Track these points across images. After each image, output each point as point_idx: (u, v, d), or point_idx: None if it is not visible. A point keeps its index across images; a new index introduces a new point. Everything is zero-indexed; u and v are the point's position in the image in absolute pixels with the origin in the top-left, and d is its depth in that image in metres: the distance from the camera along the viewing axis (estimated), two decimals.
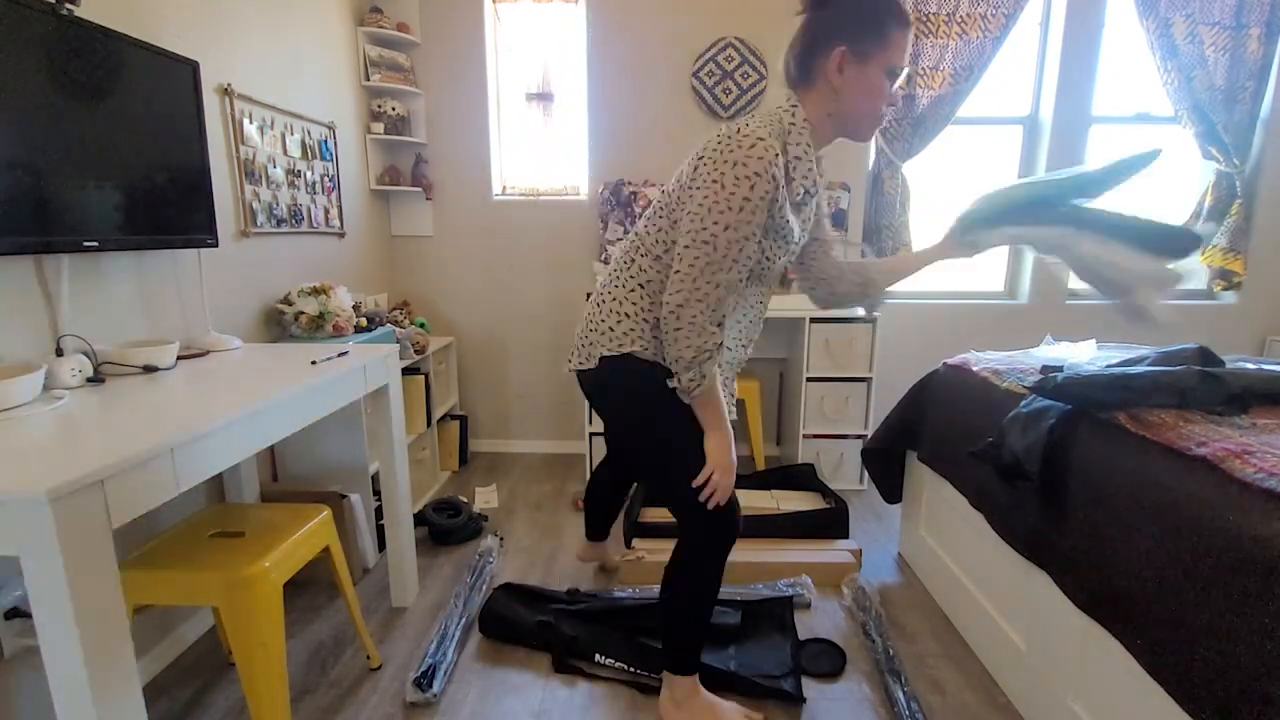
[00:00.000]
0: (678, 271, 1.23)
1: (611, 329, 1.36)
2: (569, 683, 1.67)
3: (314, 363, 1.62)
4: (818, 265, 1.56)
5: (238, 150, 2.02)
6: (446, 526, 2.38)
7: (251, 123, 2.09)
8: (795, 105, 1.27)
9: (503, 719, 1.55)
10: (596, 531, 2.15)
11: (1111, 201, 1.42)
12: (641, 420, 1.39)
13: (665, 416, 1.36)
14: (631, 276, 1.36)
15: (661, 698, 1.55)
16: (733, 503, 1.44)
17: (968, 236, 1.49)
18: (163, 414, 1.19)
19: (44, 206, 1.33)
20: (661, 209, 1.33)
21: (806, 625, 1.90)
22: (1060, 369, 1.57)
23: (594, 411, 1.60)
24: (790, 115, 1.26)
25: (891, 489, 2.32)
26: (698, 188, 1.22)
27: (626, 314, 1.35)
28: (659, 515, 2.40)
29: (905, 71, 1.33)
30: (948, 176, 3.28)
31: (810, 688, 1.64)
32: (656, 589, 2.03)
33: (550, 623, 1.81)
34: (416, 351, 2.62)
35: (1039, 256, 1.65)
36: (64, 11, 1.35)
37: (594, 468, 2.18)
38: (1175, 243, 1.30)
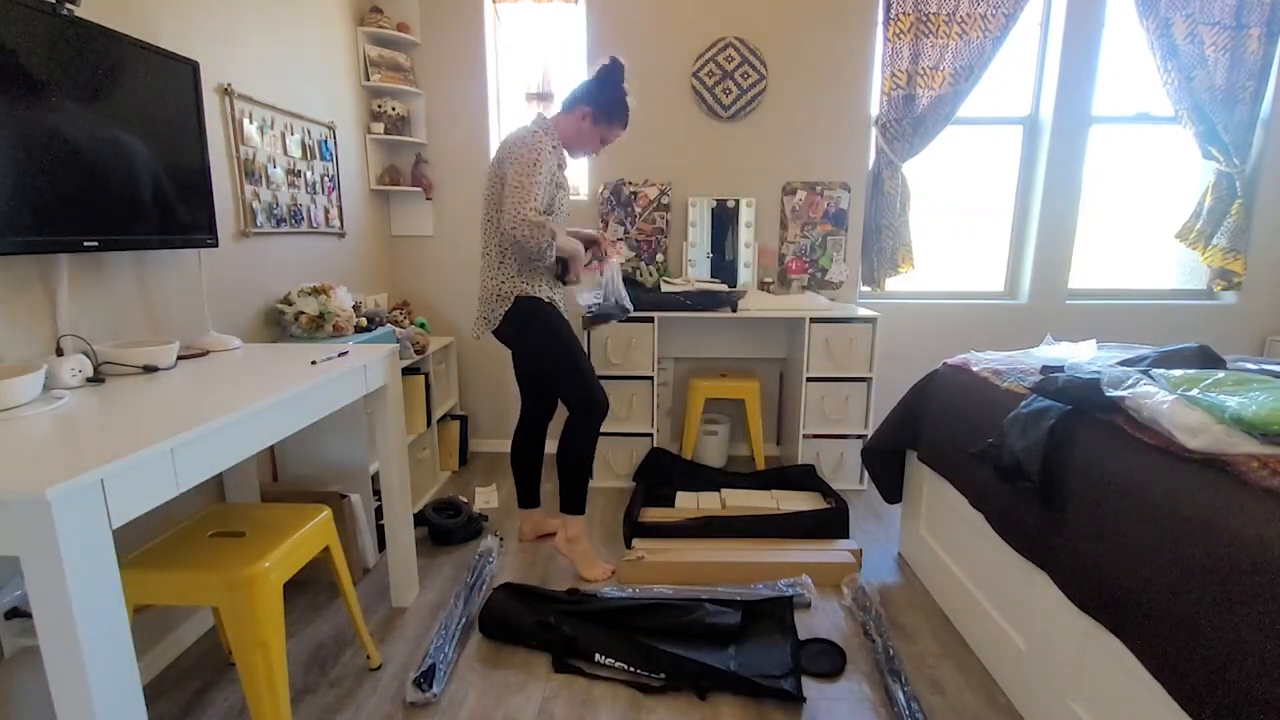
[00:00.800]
0: (505, 212, 1.86)
1: (499, 293, 2.01)
2: (569, 683, 1.67)
3: (314, 363, 1.62)
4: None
5: (238, 150, 2.02)
6: (446, 526, 2.38)
7: (251, 123, 2.09)
8: (553, 117, 2.06)
9: (503, 719, 1.55)
10: (527, 497, 2.40)
11: None
12: (541, 336, 2.03)
13: (553, 330, 2.03)
14: (494, 255, 2.02)
15: (558, 535, 2.20)
16: (601, 392, 2.09)
17: None
18: (163, 414, 1.19)
19: (44, 206, 1.33)
20: (489, 203, 2.01)
21: (806, 625, 1.90)
22: (1060, 369, 1.57)
23: (513, 354, 2.24)
24: (548, 121, 2.04)
25: (891, 489, 2.32)
26: (506, 166, 1.90)
27: (506, 277, 2.00)
28: (659, 516, 2.40)
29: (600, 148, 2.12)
30: (948, 176, 3.28)
31: (810, 687, 1.64)
32: (657, 589, 2.04)
33: (550, 623, 1.80)
34: (416, 351, 2.61)
35: None
36: (64, 11, 1.35)
37: (512, 432, 2.52)
38: None
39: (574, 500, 2.13)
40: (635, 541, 2.24)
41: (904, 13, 2.92)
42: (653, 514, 2.40)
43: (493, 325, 2.04)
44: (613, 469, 2.95)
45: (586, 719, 1.55)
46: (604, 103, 2.02)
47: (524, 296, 2.01)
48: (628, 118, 2.06)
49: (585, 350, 2.15)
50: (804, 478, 2.67)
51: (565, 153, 2.08)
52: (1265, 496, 1.01)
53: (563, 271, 2.07)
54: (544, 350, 2.06)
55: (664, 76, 3.04)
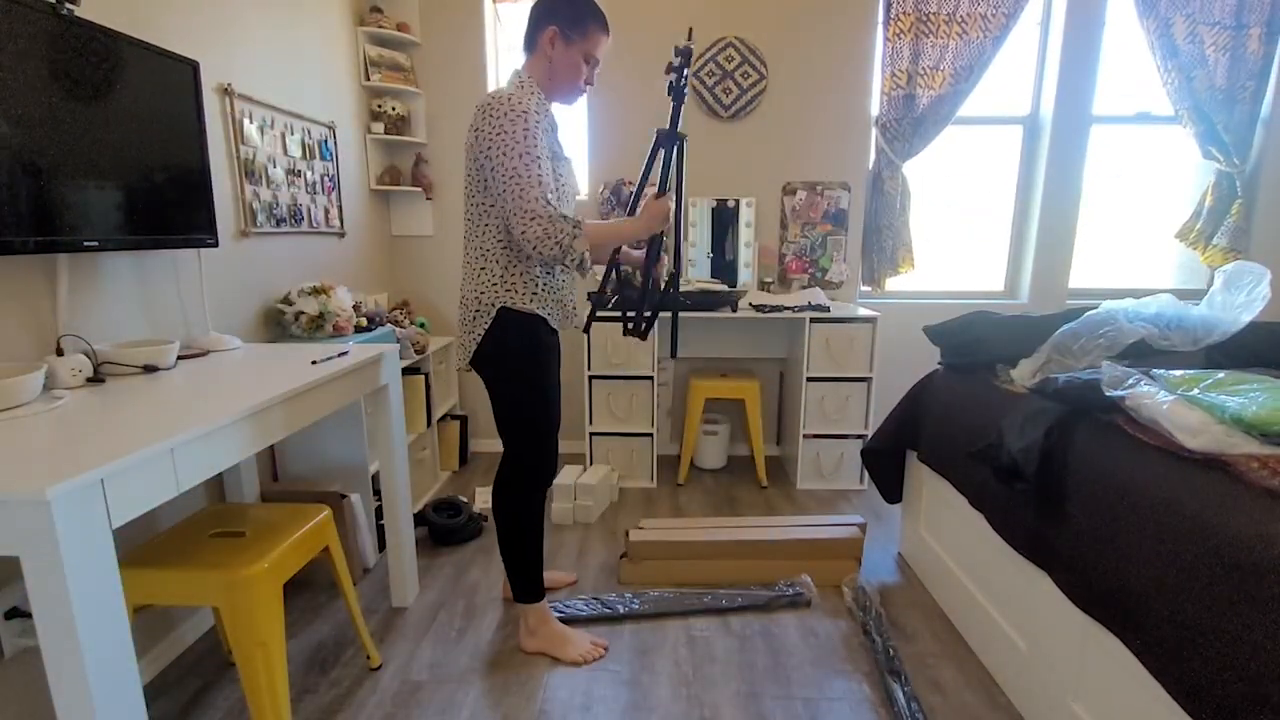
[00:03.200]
0: (507, 211, 1.49)
1: (479, 304, 1.61)
2: (569, 683, 1.67)
3: (314, 363, 1.62)
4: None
5: (238, 150, 2.02)
6: (446, 526, 2.38)
7: (251, 122, 2.09)
8: (523, 68, 1.61)
9: (503, 719, 1.55)
10: None
11: None
12: (519, 364, 1.64)
13: (537, 363, 1.65)
14: (475, 258, 1.62)
15: (520, 631, 1.80)
16: (553, 460, 1.75)
17: None
18: (163, 414, 1.19)
19: (44, 206, 1.33)
20: (469, 199, 1.61)
21: (807, 625, 1.90)
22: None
23: (491, 395, 1.70)
24: (520, 76, 1.59)
25: (891, 489, 2.32)
26: (489, 149, 1.48)
27: (487, 283, 1.60)
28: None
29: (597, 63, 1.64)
30: (948, 176, 3.28)
31: (810, 687, 1.64)
32: (656, 591, 2.03)
33: None
34: (416, 351, 2.61)
35: None
36: (64, 11, 1.35)
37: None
38: None
39: (522, 587, 1.75)
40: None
41: (904, 12, 2.92)
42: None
43: (473, 349, 1.63)
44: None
45: (586, 719, 1.55)
46: (567, 9, 1.55)
47: (511, 309, 1.59)
48: (604, 16, 1.60)
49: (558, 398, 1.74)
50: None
51: (553, 109, 1.65)
52: (1265, 496, 1.01)
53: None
54: (515, 382, 1.64)
55: (664, 76, 3.03)
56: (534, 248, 1.48)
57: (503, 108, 1.47)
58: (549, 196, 1.48)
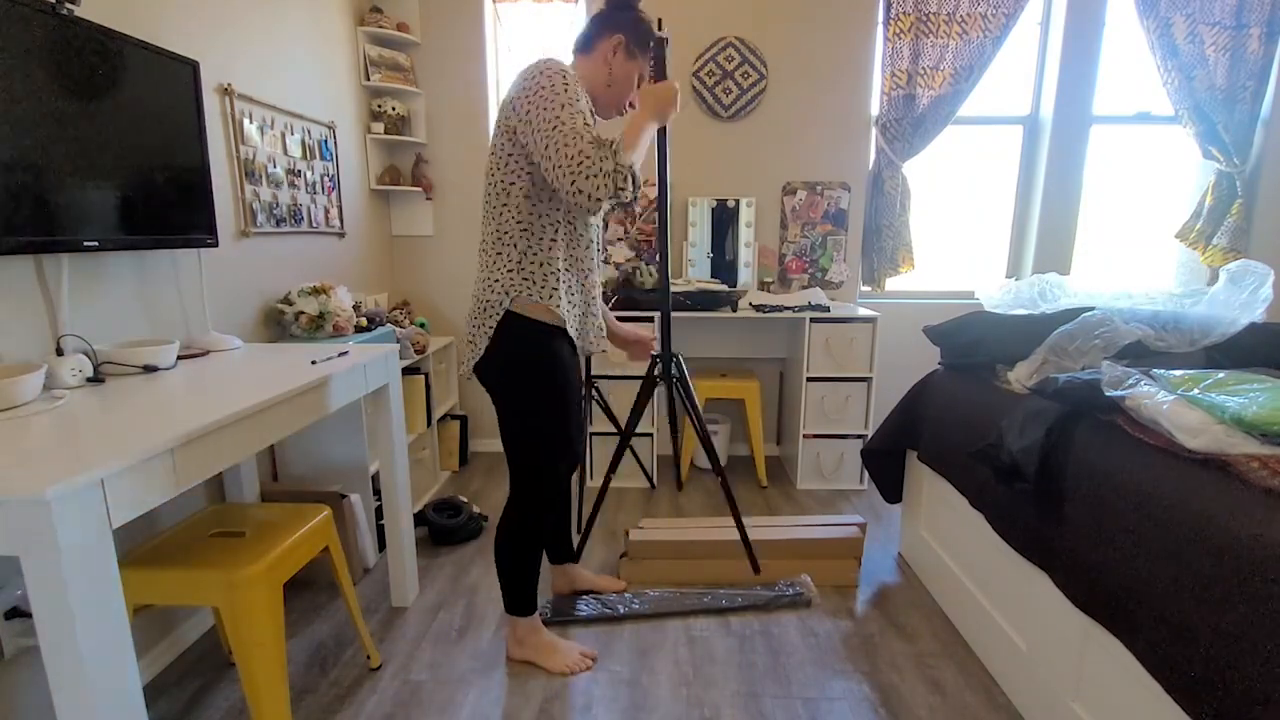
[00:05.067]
0: (550, 163, 1.33)
1: (486, 302, 1.48)
2: (569, 683, 1.67)
3: (314, 363, 1.62)
4: None
5: (238, 150, 2.02)
6: (446, 526, 2.38)
7: (251, 122, 2.09)
8: (573, 65, 1.53)
9: (503, 719, 1.55)
10: (554, 552, 1.99)
11: None
12: (528, 378, 1.50)
13: (549, 376, 1.50)
14: (490, 249, 1.50)
15: (507, 638, 1.76)
16: (559, 487, 1.61)
17: None
18: (163, 414, 1.19)
19: (44, 206, 1.33)
20: (490, 177, 1.49)
21: (807, 625, 1.90)
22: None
23: (498, 409, 1.57)
24: (570, 67, 1.45)
25: (891, 489, 2.32)
26: (527, 104, 1.35)
27: (496, 277, 1.48)
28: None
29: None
30: (948, 176, 3.28)
31: (810, 687, 1.64)
32: (656, 591, 2.02)
33: None
34: (416, 351, 2.61)
35: None
36: (64, 11, 1.35)
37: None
38: None
39: (513, 599, 1.68)
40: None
41: (904, 12, 2.92)
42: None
43: (478, 354, 1.49)
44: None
45: (586, 719, 1.55)
46: (637, 26, 1.50)
47: (520, 315, 1.45)
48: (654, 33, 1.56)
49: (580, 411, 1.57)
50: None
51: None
52: (1265, 496, 1.01)
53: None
54: (526, 398, 1.49)
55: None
56: (591, 199, 1.30)
57: (549, 67, 1.35)
58: (591, 130, 1.34)
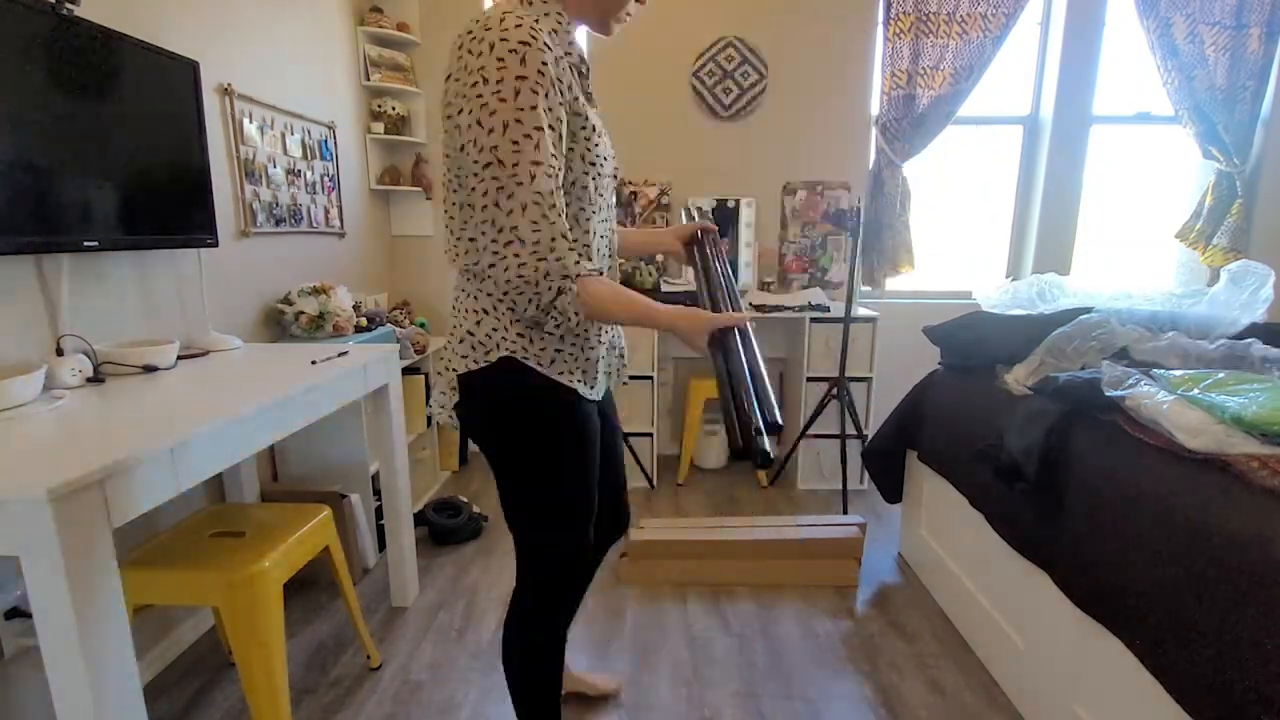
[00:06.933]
0: (478, 223, 0.93)
1: (475, 337, 1.04)
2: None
3: (314, 363, 1.62)
4: None
5: (238, 150, 2.02)
6: (446, 526, 2.38)
7: (251, 122, 2.09)
8: None
9: (503, 719, 1.55)
10: None
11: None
12: (528, 448, 1.07)
13: (550, 445, 1.07)
14: (479, 289, 1.03)
15: None
16: (575, 571, 1.15)
17: None
18: (163, 414, 1.19)
19: (44, 206, 1.33)
20: (450, 167, 1.01)
21: (807, 625, 1.90)
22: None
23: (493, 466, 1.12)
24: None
25: (892, 489, 2.32)
26: (461, 106, 0.92)
27: (485, 308, 1.03)
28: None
29: None
30: (948, 176, 3.28)
31: (810, 687, 1.64)
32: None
33: None
34: (416, 351, 2.61)
35: None
36: (64, 11, 1.35)
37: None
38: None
39: None
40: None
41: (904, 12, 2.92)
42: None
43: (456, 395, 1.09)
44: None
45: (587, 716, 1.55)
46: None
47: (515, 361, 1.01)
48: None
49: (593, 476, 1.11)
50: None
51: (581, 40, 1.04)
52: (1265, 496, 1.01)
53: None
54: (523, 467, 1.06)
55: (664, 76, 3.03)
56: (505, 290, 0.93)
57: (488, 39, 0.88)
58: (554, 200, 0.90)
